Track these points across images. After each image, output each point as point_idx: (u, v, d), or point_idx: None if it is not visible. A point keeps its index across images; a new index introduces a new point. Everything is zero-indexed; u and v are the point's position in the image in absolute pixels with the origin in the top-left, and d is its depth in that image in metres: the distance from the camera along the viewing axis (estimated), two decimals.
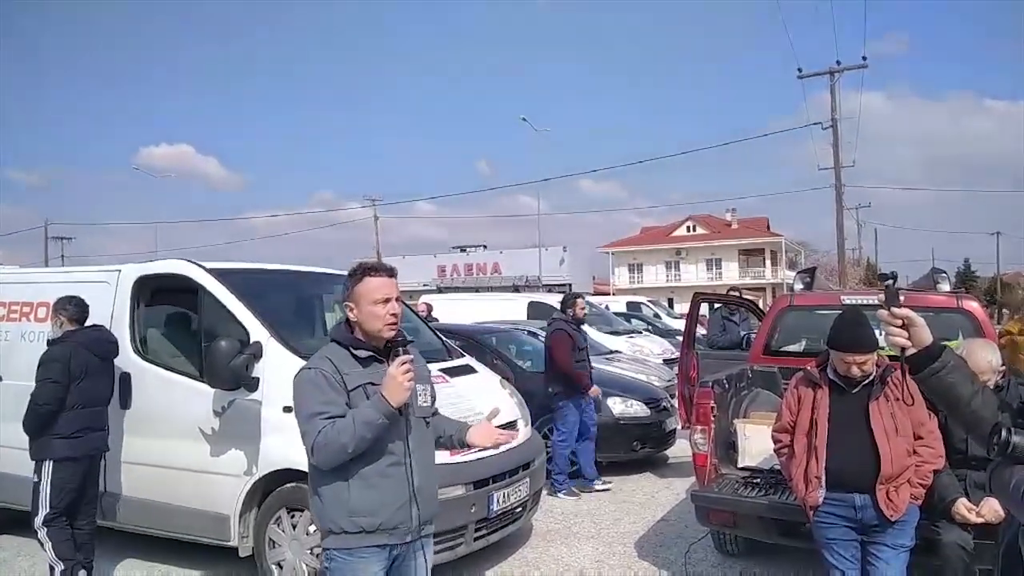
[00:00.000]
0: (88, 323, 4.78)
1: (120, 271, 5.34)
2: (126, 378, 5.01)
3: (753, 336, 7.84)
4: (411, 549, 2.60)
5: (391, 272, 2.64)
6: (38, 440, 4.50)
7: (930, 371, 1.81)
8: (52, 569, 4.52)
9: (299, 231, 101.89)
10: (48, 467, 4.48)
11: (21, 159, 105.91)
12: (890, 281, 1.88)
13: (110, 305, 5.19)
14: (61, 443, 4.50)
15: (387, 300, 2.56)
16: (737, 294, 9.78)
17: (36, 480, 4.49)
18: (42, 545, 4.51)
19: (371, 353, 2.57)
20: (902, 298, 1.88)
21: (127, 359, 5.05)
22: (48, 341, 4.69)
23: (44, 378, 4.48)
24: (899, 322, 1.81)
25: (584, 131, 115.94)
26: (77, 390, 4.52)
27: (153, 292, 5.25)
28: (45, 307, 5.51)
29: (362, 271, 2.60)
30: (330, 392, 2.46)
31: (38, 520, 4.48)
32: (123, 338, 5.08)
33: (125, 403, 5.00)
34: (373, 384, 2.48)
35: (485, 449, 3.09)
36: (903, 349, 1.83)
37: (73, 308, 4.74)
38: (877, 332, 3.31)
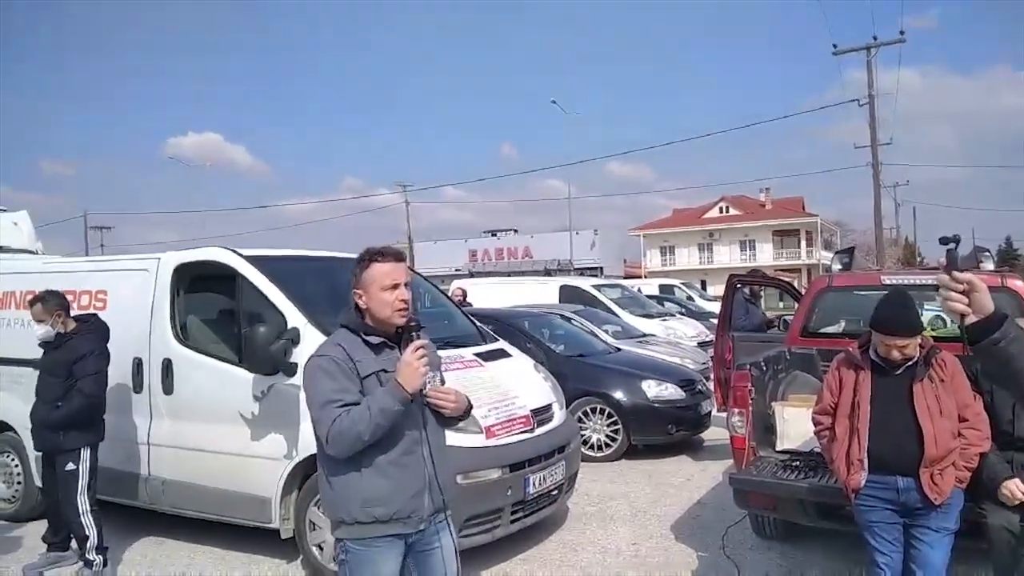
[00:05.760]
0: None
1: (160, 259, 5.42)
2: (168, 364, 5.10)
3: (789, 319, 7.75)
4: (426, 536, 2.53)
5: (399, 256, 2.54)
6: (78, 429, 4.61)
7: (991, 341, 1.70)
8: (90, 563, 4.63)
9: (332, 217, 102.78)
10: (86, 454, 4.64)
11: (56, 151, 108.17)
12: (952, 245, 1.78)
13: (151, 293, 5.28)
14: (96, 430, 4.72)
15: (395, 286, 2.46)
16: (762, 275, 9.68)
17: (73, 467, 4.61)
18: (81, 533, 4.62)
19: (382, 339, 2.50)
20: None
21: (168, 346, 5.14)
22: (59, 335, 4.73)
23: (97, 370, 4.63)
24: (960, 287, 1.70)
25: (612, 111, 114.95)
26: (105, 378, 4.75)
27: (192, 279, 5.33)
28: (88, 295, 5.64)
29: (368, 257, 2.50)
30: (342, 379, 2.39)
31: (83, 506, 4.61)
32: (164, 325, 5.18)
33: (168, 389, 5.10)
34: (386, 371, 2.42)
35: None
36: (963, 316, 1.72)
37: (65, 301, 4.86)
38: (923, 314, 3.25)
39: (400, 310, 2.47)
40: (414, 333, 2.45)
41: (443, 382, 2.59)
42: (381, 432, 2.35)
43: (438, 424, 2.59)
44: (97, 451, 4.74)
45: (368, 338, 2.49)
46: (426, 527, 2.51)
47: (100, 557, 4.67)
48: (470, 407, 2.67)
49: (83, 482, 4.63)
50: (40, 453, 4.86)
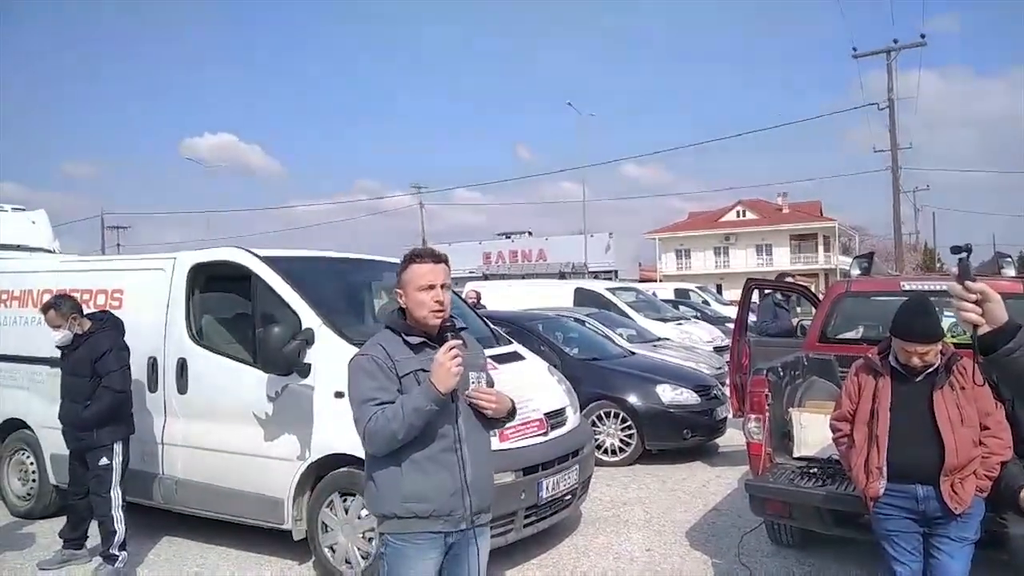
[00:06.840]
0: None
1: (176, 259, 5.44)
2: (182, 364, 5.12)
3: (806, 324, 7.68)
4: (466, 537, 2.56)
5: (437, 258, 2.59)
6: (110, 424, 4.69)
7: (1005, 351, 1.67)
8: (113, 558, 4.69)
9: (347, 219, 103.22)
10: (119, 448, 4.73)
11: (74, 151, 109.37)
12: (964, 254, 1.75)
13: (166, 292, 5.30)
14: (127, 423, 4.82)
15: (432, 287, 2.52)
16: (791, 279, 9.59)
17: (107, 462, 4.68)
18: (111, 527, 4.67)
19: (423, 339, 2.55)
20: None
21: (183, 345, 5.16)
22: (77, 336, 4.77)
23: (121, 365, 4.72)
24: (973, 297, 1.68)
25: (628, 113, 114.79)
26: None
27: (207, 279, 5.34)
28: (104, 294, 5.67)
29: (409, 258, 2.58)
30: (381, 378, 2.46)
31: (116, 500, 4.69)
32: (179, 324, 5.20)
33: (182, 388, 5.12)
34: (424, 371, 2.46)
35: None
36: (975, 327, 1.70)
37: (77, 303, 4.93)
38: (943, 321, 3.19)
39: (435, 311, 2.52)
40: (449, 334, 2.50)
41: (491, 384, 2.66)
42: (415, 431, 2.40)
43: (482, 425, 2.63)
44: (129, 445, 4.82)
45: (408, 338, 2.55)
46: (467, 527, 2.54)
47: (124, 553, 4.72)
48: (514, 409, 2.70)
49: (116, 476, 4.72)
50: (68, 452, 4.89)
